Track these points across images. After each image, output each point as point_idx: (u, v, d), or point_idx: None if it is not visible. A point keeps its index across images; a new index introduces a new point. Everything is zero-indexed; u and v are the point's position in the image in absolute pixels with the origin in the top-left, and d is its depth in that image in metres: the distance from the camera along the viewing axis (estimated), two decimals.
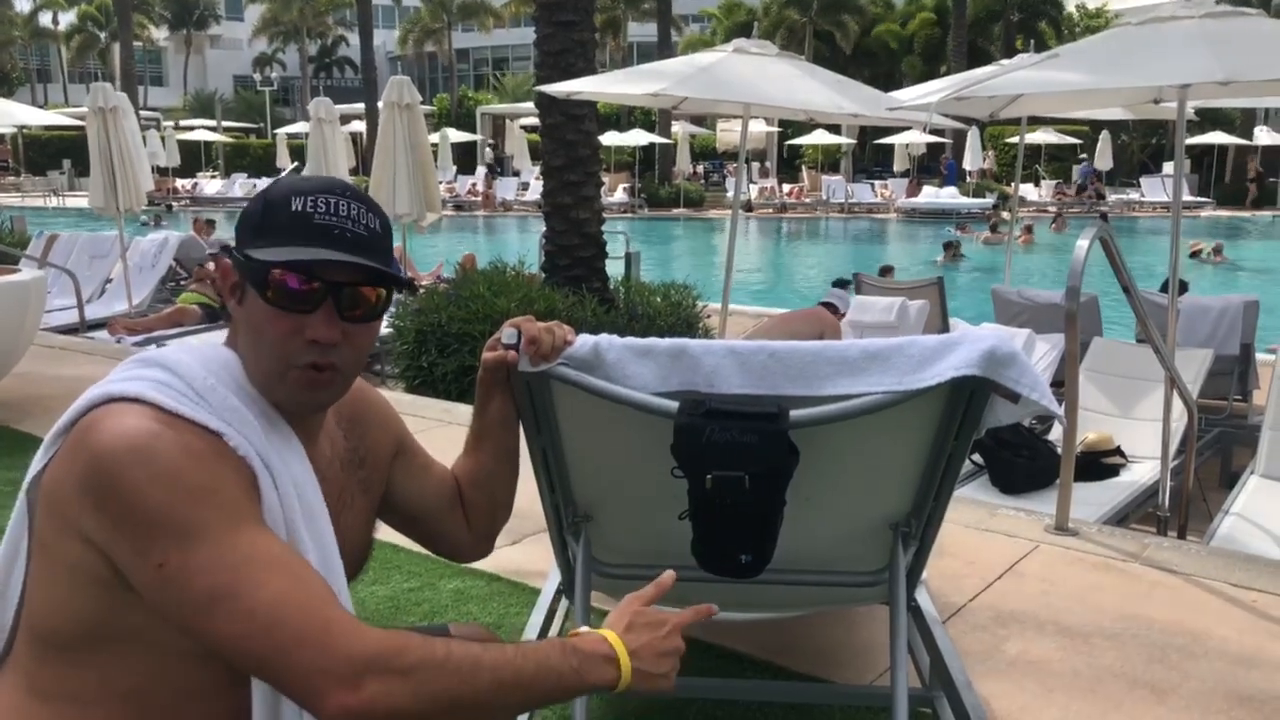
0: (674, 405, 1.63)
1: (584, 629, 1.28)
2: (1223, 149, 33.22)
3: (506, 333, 1.62)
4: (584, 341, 1.69)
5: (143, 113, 30.14)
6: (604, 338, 1.70)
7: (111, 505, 1.13)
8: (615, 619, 1.28)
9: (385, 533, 1.72)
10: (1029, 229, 20.64)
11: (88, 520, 1.15)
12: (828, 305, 6.50)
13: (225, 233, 14.38)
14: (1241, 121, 31.80)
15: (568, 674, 1.19)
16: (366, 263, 1.29)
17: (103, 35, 50.96)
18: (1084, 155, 33.91)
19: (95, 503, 1.14)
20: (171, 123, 39.21)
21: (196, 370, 1.28)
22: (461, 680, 1.13)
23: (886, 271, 10.66)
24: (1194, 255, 17.92)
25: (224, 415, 1.24)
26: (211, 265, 9.87)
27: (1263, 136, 30.33)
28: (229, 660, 1.14)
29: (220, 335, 1.40)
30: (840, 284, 11.53)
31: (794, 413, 1.60)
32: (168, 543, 1.12)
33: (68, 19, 52.37)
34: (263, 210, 1.31)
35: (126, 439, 1.15)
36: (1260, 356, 6.94)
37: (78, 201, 28.55)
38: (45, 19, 52.71)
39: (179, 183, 34.56)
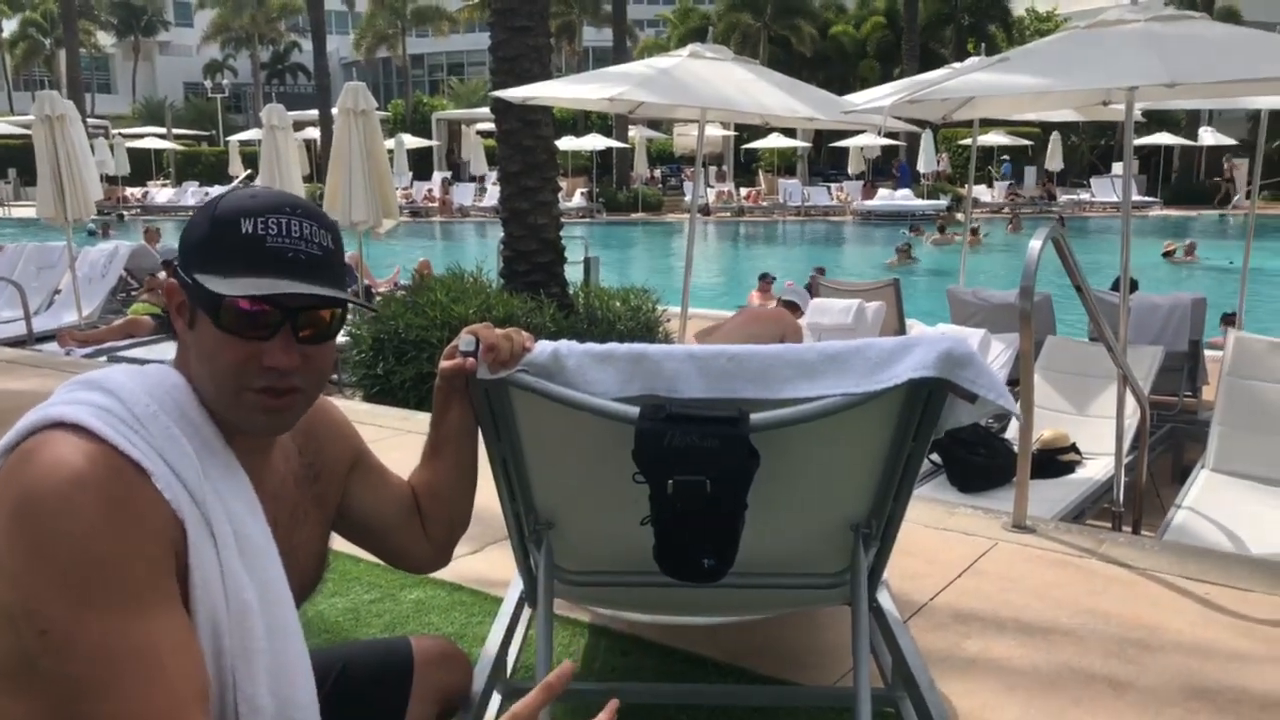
0: (634, 411, 1.63)
1: None
2: (1169, 149, 33.87)
3: (464, 340, 1.61)
4: (543, 348, 1.67)
5: (90, 120, 29.58)
6: (563, 344, 1.69)
7: (21, 551, 1.10)
8: None
9: (344, 544, 1.69)
10: (975, 230, 21.02)
11: (3, 554, 1.11)
12: (788, 304, 6.53)
13: (172, 241, 14.16)
14: (1187, 122, 32.46)
15: None
16: (325, 292, 1.26)
17: (47, 42, 49.98)
18: (1005, 156, 34.31)
19: (11, 542, 1.10)
20: (119, 130, 38.57)
21: (139, 395, 1.24)
22: None
23: (819, 273, 10.91)
24: (1167, 255, 18.22)
25: (161, 446, 1.21)
26: (163, 275, 9.74)
27: (1207, 137, 30.98)
28: None
29: (172, 348, 1.36)
30: (765, 277, 11.74)
31: (754, 416, 1.60)
32: (57, 610, 1.09)
33: (10, 26, 51.32)
34: (210, 231, 1.26)
35: (52, 484, 1.11)
36: (1208, 353, 7.09)
37: (23, 211, 28.03)
38: None
39: (129, 191, 34.03)
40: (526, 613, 2.35)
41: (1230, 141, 30.27)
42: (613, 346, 1.70)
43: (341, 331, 1.41)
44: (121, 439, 1.18)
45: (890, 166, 35.51)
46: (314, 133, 33.38)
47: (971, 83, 5.73)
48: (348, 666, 1.65)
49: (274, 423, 1.31)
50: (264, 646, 1.25)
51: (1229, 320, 8.76)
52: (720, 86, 6.84)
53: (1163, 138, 30.86)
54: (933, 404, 1.70)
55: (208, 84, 49.47)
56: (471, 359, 1.60)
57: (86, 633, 1.08)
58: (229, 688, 1.22)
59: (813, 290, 8.40)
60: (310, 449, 1.50)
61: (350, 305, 1.34)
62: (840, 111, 7.03)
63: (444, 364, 1.62)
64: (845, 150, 34.69)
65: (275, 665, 1.26)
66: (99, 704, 1.08)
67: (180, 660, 1.12)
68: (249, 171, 30.67)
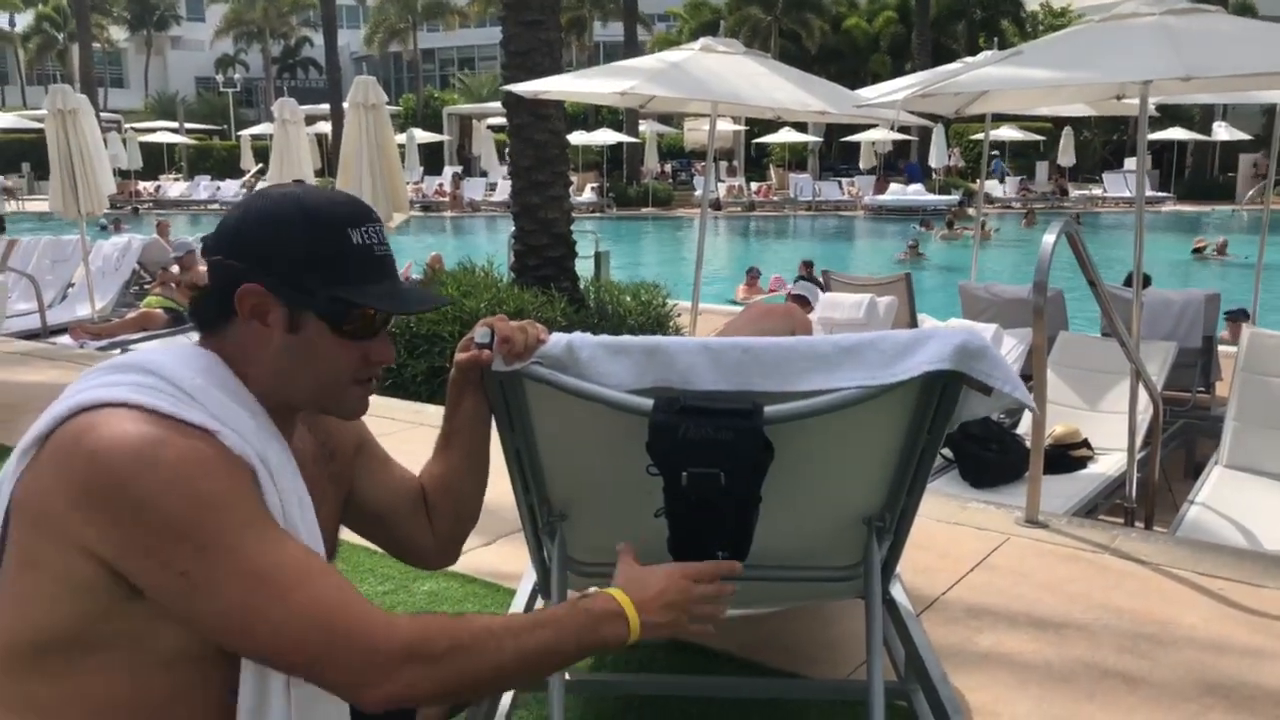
0: (649, 403, 1.63)
1: (592, 589, 1.34)
2: (1182, 145, 33.65)
3: (479, 332, 1.61)
4: (557, 340, 1.68)
5: (103, 115, 29.63)
6: (577, 336, 1.69)
7: (125, 516, 1.11)
8: (620, 578, 1.39)
9: (359, 536, 1.70)
10: (982, 225, 21.11)
11: (91, 531, 1.12)
12: (798, 298, 6.50)
13: (184, 234, 14.16)
14: (1200, 117, 32.24)
15: (583, 634, 1.28)
16: (443, 302, 1.42)
17: (61, 37, 50.16)
18: (995, 153, 34.10)
19: (101, 514, 1.11)
20: (132, 125, 38.71)
21: (181, 370, 1.25)
22: (486, 657, 1.21)
23: (807, 267, 11.02)
24: (1197, 252, 17.95)
25: (217, 413, 1.23)
26: (176, 269, 9.76)
27: (1221, 132, 30.77)
28: (266, 663, 1.18)
29: (183, 339, 1.37)
30: (751, 272, 11.77)
31: (768, 409, 1.60)
32: (190, 551, 1.12)
33: (24, 20, 51.51)
34: (312, 237, 1.29)
35: (127, 446, 1.13)
36: (1222, 349, 7.05)
37: (37, 205, 28.12)
38: (1, 20, 51.81)
39: (141, 185, 34.15)
40: (539, 604, 2.36)
41: (1245, 137, 30.06)
42: (626, 339, 1.70)
43: None
44: (177, 410, 1.19)
45: (901, 162, 35.40)
46: (325, 127, 33.44)
47: (985, 77, 5.71)
48: None
49: (364, 407, 1.43)
50: None
51: (1235, 317, 8.67)
52: (732, 81, 6.82)
53: (1176, 133, 30.67)
54: (947, 397, 1.70)
55: (219, 78, 49.56)
56: (487, 351, 1.60)
57: (225, 560, 1.13)
58: None
59: (825, 285, 8.38)
60: (320, 429, 1.51)
61: None
62: (852, 105, 7.01)
63: (460, 356, 1.63)
64: (857, 145, 34.59)
65: None
66: (278, 607, 1.13)
67: (315, 557, 1.22)
68: (259, 166, 30.74)
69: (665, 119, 36.27)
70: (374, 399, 1.47)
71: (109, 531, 1.12)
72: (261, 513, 1.20)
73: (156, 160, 38.53)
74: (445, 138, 38.01)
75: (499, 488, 2.02)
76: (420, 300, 1.50)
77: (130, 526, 1.11)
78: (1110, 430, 5.41)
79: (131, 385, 1.21)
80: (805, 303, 6.41)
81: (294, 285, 1.28)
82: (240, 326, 1.31)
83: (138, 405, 1.18)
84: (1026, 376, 5.09)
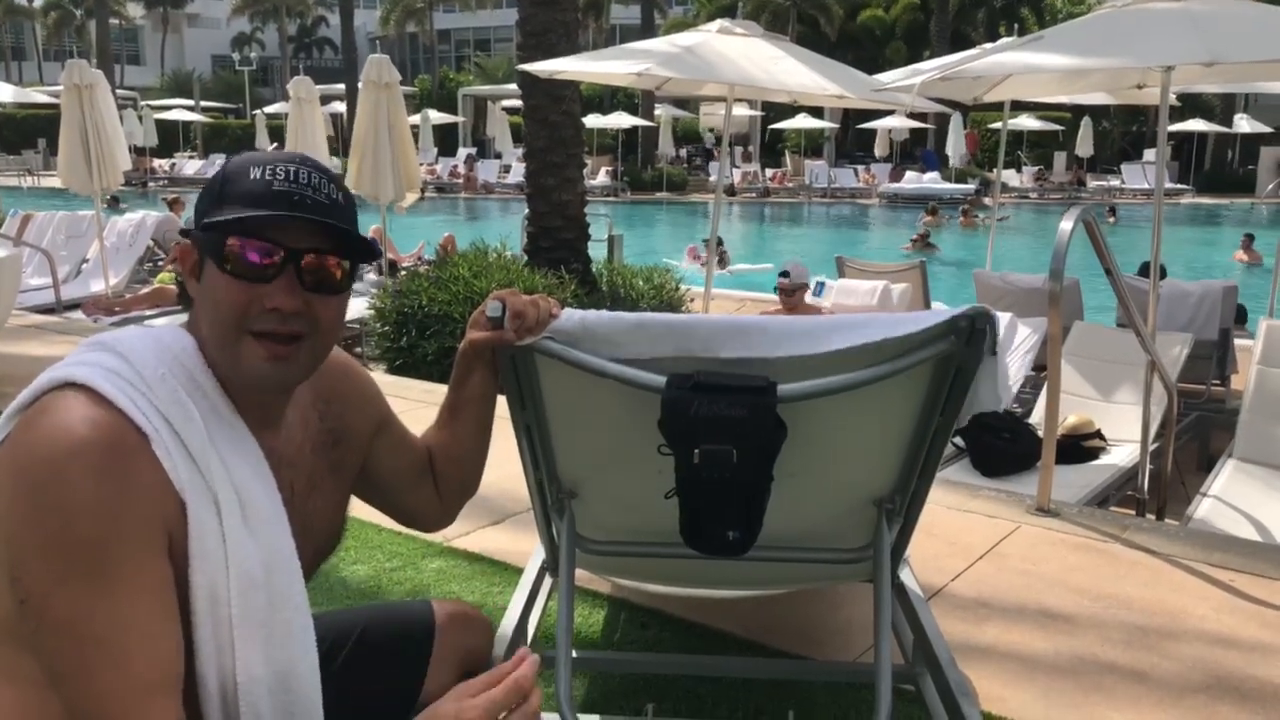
0: (661, 380, 1.61)
1: None
2: (1203, 137, 33.38)
3: (491, 305, 1.59)
4: (570, 315, 1.66)
5: (119, 92, 29.72)
6: (591, 312, 1.67)
7: (17, 515, 1.11)
8: None
9: (368, 513, 1.70)
10: (965, 212, 22.97)
11: (4, 513, 1.13)
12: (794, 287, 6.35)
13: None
14: (1222, 109, 31.95)
15: None
16: (328, 220, 1.25)
17: (79, 13, 50.27)
18: (967, 127, 33.69)
19: (11, 503, 1.11)
20: (147, 102, 38.79)
21: (148, 358, 1.24)
22: None
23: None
24: None
25: (166, 410, 1.20)
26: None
27: (1243, 124, 30.48)
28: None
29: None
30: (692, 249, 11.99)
31: (782, 387, 1.58)
32: (37, 582, 1.10)
33: None
34: (221, 181, 1.27)
35: (48, 451, 1.12)
36: (1239, 342, 6.99)
37: (53, 181, 28.22)
38: None
39: (157, 162, 34.24)
40: (547, 582, 2.35)
41: (1266, 129, 29.80)
42: (642, 315, 1.68)
43: (364, 305, 1.40)
44: (127, 401, 1.17)
45: (919, 149, 35.21)
46: (340, 107, 33.47)
47: (1004, 61, 5.65)
48: (368, 628, 1.66)
49: (278, 372, 1.27)
50: (264, 617, 1.24)
51: None
52: (749, 64, 6.76)
53: (1196, 124, 30.42)
54: (960, 378, 1.69)
55: (236, 57, 49.61)
56: (510, 334, 1.58)
57: (59, 609, 1.09)
58: (228, 656, 1.21)
59: (840, 272, 8.35)
60: (333, 413, 1.49)
61: (359, 265, 1.33)
62: (870, 90, 6.96)
63: (478, 335, 1.60)
64: (873, 132, 34.41)
65: (275, 635, 1.26)
66: (63, 682, 1.10)
67: (147, 646, 1.12)
68: (275, 145, 30.77)
69: (681, 103, 36.14)
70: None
71: (8, 522, 1.12)
72: (129, 567, 1.12)
73: (172, 138, 38.65)
74: (460, 119, 37.97)
75: (508, 468, 2.01)
76: (288, 214, 1.23)
77: (18, 528, 1.10)
78: (1124, 421, 5.38)
79: (99, 368, 1.20)
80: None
81: (197, 226, 1.27)
82: (192, 292, 1.31)
83: (96, 392, 1.17)
84: (1041, 366, 5.06)
